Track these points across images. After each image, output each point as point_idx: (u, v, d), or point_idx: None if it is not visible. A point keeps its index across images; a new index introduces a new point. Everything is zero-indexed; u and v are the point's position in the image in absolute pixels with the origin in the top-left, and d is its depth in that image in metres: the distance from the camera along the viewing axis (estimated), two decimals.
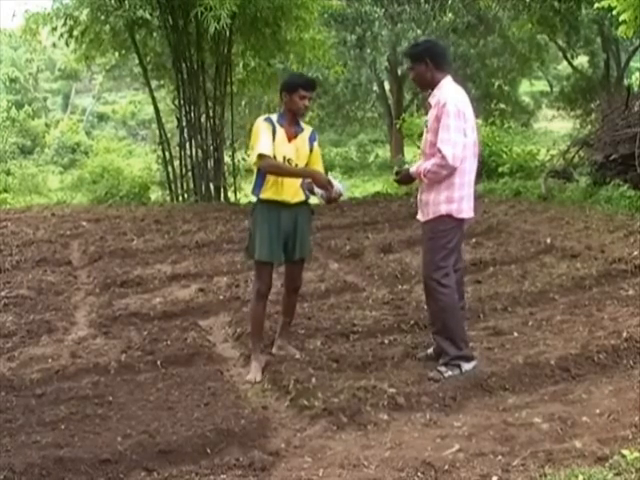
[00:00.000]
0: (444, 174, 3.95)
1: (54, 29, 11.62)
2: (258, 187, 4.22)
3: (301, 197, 4.25)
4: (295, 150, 4.19)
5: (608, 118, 10.45)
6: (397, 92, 24.06)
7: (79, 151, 29.20)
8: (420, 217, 4.21)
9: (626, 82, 22.25)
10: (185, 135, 12.11)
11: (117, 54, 13.14)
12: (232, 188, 12.71)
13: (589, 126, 13.48)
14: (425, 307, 4.50)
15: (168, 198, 12.59)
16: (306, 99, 4.15)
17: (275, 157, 4.11)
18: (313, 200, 4.39)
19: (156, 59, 13.05)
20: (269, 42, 11.89)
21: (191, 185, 12.24)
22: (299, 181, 4.18)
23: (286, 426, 3.55)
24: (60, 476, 3.05)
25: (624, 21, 9.85)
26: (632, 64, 26.11)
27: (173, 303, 5.72)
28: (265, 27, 11.53)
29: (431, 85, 4.09)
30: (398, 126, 16.24)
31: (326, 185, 4.11)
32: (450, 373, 3.99)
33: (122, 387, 4.01)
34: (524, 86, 30.92)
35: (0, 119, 25.01)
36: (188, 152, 12.10)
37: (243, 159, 13.73)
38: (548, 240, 7.08)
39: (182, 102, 12.01)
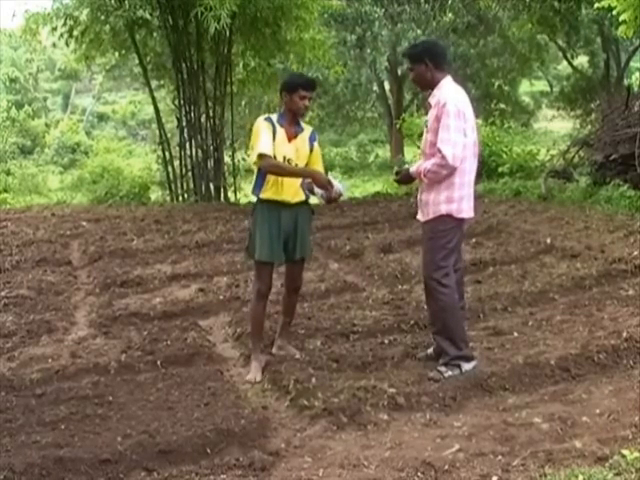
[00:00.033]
0: (444, 174, 3.95)
1: (54, 29, 11.62)
2: (258, 187, 4.22)
3: (301, 197, 4.25)
4: (295, 150, 4.19)
5: (608, 118, 10.45)
6: (397, 92, 24.07)
7: (79, 151, 29.21)
8: (420, 217, 4.21)
9: (626, 82, 22.25)
10: (185, 135, 12.11)
11: (117, 54, 13.14)
12: (232, 188, 12.71)
13: (589, 126, 13.48)
14: (425, 307, 4.50)
15: (168, 198, 12.59)
16: (306, 99, 4.15)
17: (275, 157, 4.11)
18: (313, 200, 4.39)
19: (156, 59, 13.05)
20: (269, 42, 11.89)
21: (191, 185, 12.24)
22: (299, 181, 4.18)
23: (286, 426, 3.55)
24: (60, 476, 3.05)
25: (624, 21, 9.85)
26: (632, 64, 26.11)
27: (173, 303, 5.72)
28: (265, 27, 11.53)
29: (431, 85, 4.09)
30: (398, 126, 16.25)
31: (326, 185, 4.11)
32: (450, 373, 3.99)
33: (122, 387, 4.01)
34: (524, 86, 30.92)
35: (0, 119, 25.01)
36: (188, 152, 12.10)
37: (243, 159, 13.73)
38: (548, 240, 7.08)
39: (182, 102, 12.01)
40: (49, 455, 3.13)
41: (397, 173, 4.45)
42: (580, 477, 2.66)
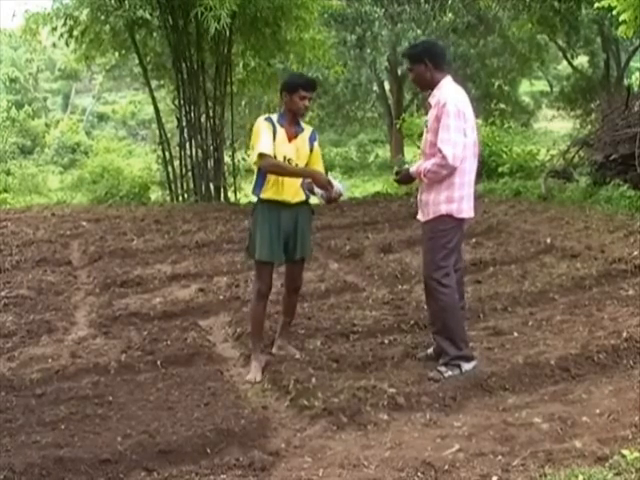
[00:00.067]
0: (444, 174, 3.95)
1: (54, 29, 11.62)
2: (258, 187, 4.22)
3: (301, 197, 4.25)
4: (295, 150, 4.19)
5: (608, 118, 10.45)
6: (397, 92, 24.07)
7: (79, 151, 29.20)
8: (420, 217, 4.21)
9: (626, 82, 22.25)
10: (185, 135, 12.11)
11: (117, 54, 13.14)
12: (232, 188, 12.71)
13: (589, 126, 13.47)
14: (425, 307, 4.50)
15: (168, 198, 12.59)
16: (306, 99, 4.15)
17: (275, 157, 4.11)
18: (313, 200, 4.39)
19: (156, 59, 13.05)
20: (269, 42, 11.89)
21: (191, 185, 12.24)
22: (299, 181, 4.18)
23: (286, 426, 3.55)
24: (60, 476, 3.05)
25: (624, 21, 9.85)
26: (632, 64, 26.11)
27: (173, 303, 5.72)
28: (265, 27, 11.53)
29: (431, 85, 4.09)
30: (398, 126, 16.25)
31: (326, 185, 4.11)
32: (450, 373, 3.99)
33: (122, 387, 4.01)
34: (524, 86, 30.93)
35: (0, 119, 25.01)
36: (188, 152, 12.10)
37: (243, 159, 13.74)
38: (548, 240, 7.08)
39: (182, 102, 12.01)
40: (49, 455, 3.13)
41: (397, 173, 4.45)
42: (580, 477, 2.66)
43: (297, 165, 4.19)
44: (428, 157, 4.05)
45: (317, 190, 4.15)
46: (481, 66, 24.11)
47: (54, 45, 23.83)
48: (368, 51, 19.13)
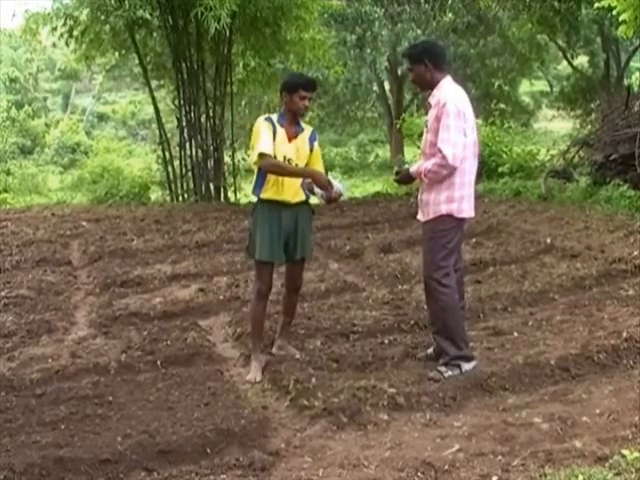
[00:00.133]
0: (444, 174, 3.95)
1: (54, 29, 11.62)
2: (259, 187, 4.22)
3: (302, 197, 4.25)
4: (295, 150, 4.19)
5: (608, 118, 10.45)
6: (397, 92, 24.07)
7: (79, 151, 29.21)
8: (420, 217, 4.21)
9: (626, 82, 22.25)
10: (185, 135, 12.11)
11: (117, 54, 13.14)
12: (232, 188, 12.71)
13: (589, 126, 13.47)
14: (425, 307, 4.50)
15: (168, 198, 12.59)
16: (306, 99, 4.15)
17: (275, 157, 4.11)
18: (313, 200, 4.39)
19: (156, 59, 13.05)
20: (269, 42, 11.89)
21: (191, 185, 12.24)
22: (299, 181, 4.18)
23: (286, 426, 3.55)
24: (60, 476, 3.05)
25: (624, 21, 9.85)
26: (632, 64, 26.11)
27: (173, 303, 5.72)
28: (265, 27, 11.53)
29: (431, 85, 4.09)
30: (398, 126, 16.25)
31: (326, 185, 4.11)
32: (450, 373, 3.99)
33: (122, 387, 4.01)
34: (524, 86, 30.93)
35: (0, 119, 25.01)
36: (188, 152, 12.10)
37: (243, 159, 13.74)
38: (548, 240, 7.08)
39: (182, 102, 12.01)
40: (49, 455, 3.13)
41: (397, 173, 4.45)
42: (580, 477, 2.66)
43: (297, 165, 4.19)
44: (428, 157, 4.05)
45: (317, 190, 4.15)
46: (481, 66, 24.11)
47: (54, 45, 23.84)
48: (368, 51, 19.14)
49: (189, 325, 5.12)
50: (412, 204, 8.94)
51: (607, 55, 23.07)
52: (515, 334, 4.66)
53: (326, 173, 4.30)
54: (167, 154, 12.42)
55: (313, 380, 3.93)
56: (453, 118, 3.88)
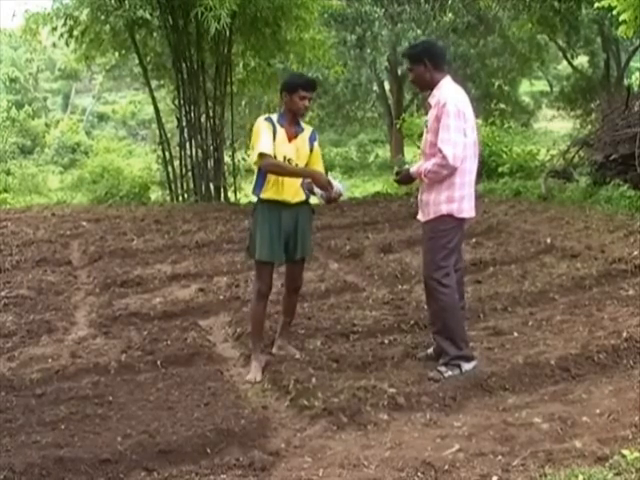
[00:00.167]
0: (445, 174, 3.95)
1: (54, 29, 11.62)
2: (259, 187, 4.22)
3: (302, 197, 4.25)
4: (295, 150, 4.19)
5: (608, 118, 10.45)
6: (397, 92, 24.08)
7: (79, 151, 29.21)
8: (421, 217, 4.21)
9: (626, 82, 22.25)
10: (185, 135, 12.11)
11: (117, 54, 13.14)
12: (232, 188, 12.71)
13: (589, 126, 13.47)
14: (425, 307, 4.50)
15: (168, 198, 12.59)
16: (306, 99, 4.15)
17: (275, 157, 4.11)
18: (313, 200, 4.39)
19: (156, 59, 13.05)
20: (269, 42, 11.89)
21: (191, 185, 12.24)
22: (299, 181, 4.18)
23: (286, 426, 3.55)
24: (60, 476, 3.05)
25: (624, 21, 9.85)
26: (632, 64, 26.11)
27: (173, 303, 5.72)
28: (265, 27, 11.53)
29: (430, 86, 4.09)
30: (398, 126, 16.25)
31: (326, 185, 4.11)
32: (450, 373, 3.99)
33: (122, 387, 4.01)
34: (524, 86, 30.93)
35: (0, 119, 25.01)
36: (188, 152, 12.10)
37: (243, 159, 13.75)
38: (548, 240, 7.08)
39: (182, 102, 12.01)
40: (49, 455, 3.13)
41: (397, 173, 4.46)
42: (580, 477, 2.66)
43: (297, 165, 4.19)
44: (428, 157, 4.05)
45: (317, 190, 4.15)
46: (481, 66, 24.11)
47: (54, 45, 23.85)
48: (368, 51, 19.14)
49: (189, 325, 5.12)
50: (412, 204, 8.94)
51: (607, 55, 23.07)
52: (515, 334, 4.66)
53: (326, 173, 4.30)
54: (167, 154, 12.42)
55: (313, 380, 3.93)
56: (453, 118, 3.88)
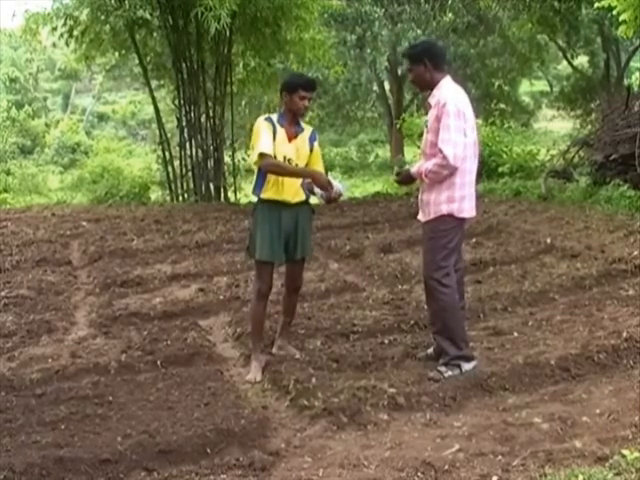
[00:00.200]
0: (445, 174, 3.95)
1: (54, 29, 11.62)
2: (259, 187, 4.22)
3: (302, 197, 4.25)
4: (295, 150, 4.19)
5: (608, 118, 10.45)
6: (397, 92, 24.07)
7: (79, 151, 29.22)
8: (421, 217, 4.21)
9: (626, 82, 22.25)
10: (185, 135, 12.11)
11: (117, 54, 13.14)
12: (232, 188, 12.72)
13: (589, 126, 13.47)
14: (425, 307, 4.50)
15: (168, 198, 12.59)
16: (306, 99, 4.15)
17: (275, 157, 4.12)
18: (313, 200, 4.39)
19: (156, 59, 13.05)
20: (269, 42, 11.89)
21: (191, 185, 12.24)
22: (299, 181, 4.18)
23: (286, 426, 3.55)
24: (60, 476, 3.05)
25: (624, 21, 9.85)
26: (632, 64, 26.10)
27: (173, 303, 5.72)
28: (265, 27, 11.53)
29: (430, 86, 4.09)
30: (398, 126, 16.26)
31: (326, 185, 4.11)
32: (450, 373, 3.99)
33: (122, 387, 4.01)
34: (524, 86, 30.93)
35: (0, 119, 25.01)
36: (188, 152, 12.10)
37: (243, 159, 13.74)
38: (548, 240, 7.08)
39: (182, 102, 12.01)
40: (49, 455, 3.13)
41: (398, 174, 4.46)
42: (580, 477, 2.66)
43: (297, 165, 4.19)
44: (428, 157, 4.05)
45: (317, 190, 4.15)
46: (481, 66, 24.11)
47: (54, 45, 23.85)
48: (368, 51, 19.13)
49: (189, 325, 5.12)
50: (412, 204, 8.95)
51: (607, 55, 23.06)
52: (515, 334, 4.66)
53: (326, 173, 4.30)
54: (167, 154, 12.42)
55: (313, 380, 3.93)
56: (453, 118, 3.89)
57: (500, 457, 2.99)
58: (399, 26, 19.00)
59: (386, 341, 4.62)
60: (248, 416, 3.51)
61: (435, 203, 4.03)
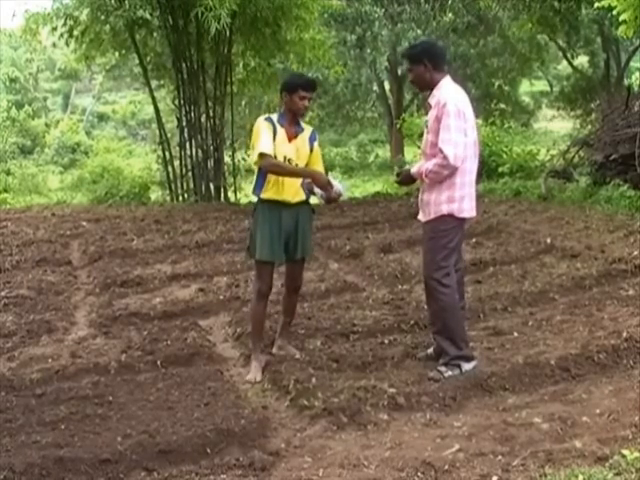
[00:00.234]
0: (446, 174, 3.95)
1: (54, 29, 11.62)
2: (259, 187, 4.22)
3: (302, 197, 4.25)
4: (295, 150, 4.20)
5: (608, 118, 10.45)
6: (397, 92, 24.08)
7: (79, 151, 29.21)
8: (421, 217, 4.21)
9: (626, 82, 22.24)
10: (185, 135, 12.12)
11: (117, 54, 13.15)
12: (232, 188, 12.72)
13: (589, 126, 13.47)
14: (425, 307, 4.50)
15: (168, 198, 12.60)
16: (306, 99, 4.15)
17: (276, 157, 4.12)
18: (313, 200, 4.39)
19: (156, 59, 13.05)
20: (269, 42, 11.89)
21: (191, 185, 12.25)
22: (299, 181, 4.19)
23: (286, 426, 3.55)
24: (60, 476, 3.05)
25: (624, 21, 9.84)
26: (632, 64, 26.09)
27: (173, 303, 5.72)
28: (265, 27, 11.53)
29: (430, 86, 4.09)
30: (398, 126, 16.27)
31: (326, 185, 4.11)
32: (450, 373, 3.99)
33: (122, 387, 4.01)
34: (524, 86, 30.92)
35: (0, 119, 25.01)
36: (188, 152, 12.11)
37: (243, 159, 13.75)
38: (548, 240, 7.08)
39: (182, 102, 12.01)
40: (49, 455, 3.13)
41: (398, 174, 4.46)
42: (580, 477, 2.66)
43: (297, 165, 4.19)
44: (429, 157, 4.05)
45: (317, 190, 4.15)
46: (481, 66, 24.11)
47: (54, 45, 23.85)
48: (368, 51, 19.14)
49: (189, 325, 5.12)
50: (412, 204, 8.95)
51: (607, 55, 23.06)
52: (515, 334, 4.66)
53: (326, 173, 4.31)
54: (167, 154, 12.42)
55: (313, 380, 3.93)
56: (453, 118, 3.89)
57: (500, 457, 2.99)
58: (399, 26, 19.01)
59: (386, 341, 4.62)
60: (248, 416, 3.51)
61: (435, 203, 4.03)
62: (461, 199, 4.01)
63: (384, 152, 28.36)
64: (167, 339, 4.77)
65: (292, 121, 4.21)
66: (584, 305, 5.12)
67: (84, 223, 9.40)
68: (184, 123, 12.04)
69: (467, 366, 4.02)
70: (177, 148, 12.33)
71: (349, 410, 3.54)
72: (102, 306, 5.70)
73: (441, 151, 3.88)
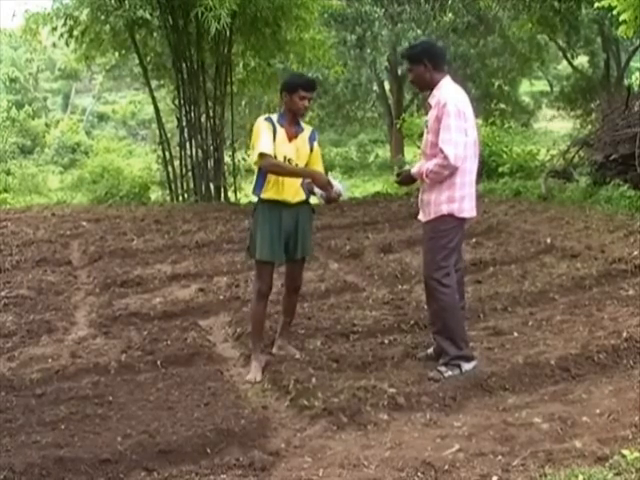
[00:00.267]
0: (446, 174, 3.95)
1: (54, 29, 11.62)
2: (259, 187, 4.22)
3: (302, 197, 4.25)
4: (295, 150, 4.20)
5: (608, 118, 10.45)
6: (397, 92, 24.08)
7: (79, 151, 29.21)
8: (421, 217, 4.21)
9: (626, 82, 22.24)
10: (185, 135, 12.12)
11: (117, 54, 13.14)
12: (232, 188, 12.72)
13: (589, 126, 13.48)
14: (425, 307, 4.50)
15: (168, 198, 12.60)
16: (306, 99, 4.15)
17: (276, 157, 4.12)
18: (313, 200, 4.39)
19: (156, 59, 13.05)
20: (269, 42, 11.89)
21: (191, 185, 12.25)
22: (299, 181, 4.19)
23: (286, 426, 3.55)
24: (60, 476, 3.05)
25: (624, 21, 9.85)
26: (632, 64, 26.07)
27: (173, 303, 5.72)
28: (265, 27, 11.53)
29: (430, 86, 4.09)
30: (398, 126, 16.27)
31: (326, 185, 4.11)
32: (450, 373, 3.99)
33: (122, 387, 4.01)
34: (524, 86, 30.92)
35: (0, 119, 25.00)
36: (188, 152, 12.11)
37: (243, 159, 13.75)
38: (548, 240, 7.08)
39: (182, 102, 12.01)
40: (49, 455, 3.13)
41: (398, 175, 4.46)
42: (580, 477, 2.66)
43: (297, 165, 4.19)
44: (429, 157, 4.05)
45: (317, 190, 4.15)
46: (481, 66, 24.11)
47: (54, 45, 23.85)
48: (368, 51, 19.14)
49: (189, 325, 5.12)
50: (412, 204, 8.95)
51: (607, 55, 23.06)
52: (515, 334, 4.66)
53: (326, 173, 4.31)
54: (167, 154, 12.42)
55: (313, 380, 3.93)
56: (454, 118, 3.89)
57: (500, 457, 2.99)
58: (399, 26, 19.01)
59: (386, 341, 4.62)
60: (248, 416, 3.51)
61: (435, 203, 4.03)
62: (461, 199, 4.01)
63: (384, 152, 28.36)
64: (167, 339, 4.77)
65: (292, 121, 4.21)
66: (584, 305, 5.12)
67: (84, 223, 9.40)
68: (184, 123, 12.04)
69: (467, 366, 4.02)
70: (177, 148, 12.33)
71: (349, 410, 3.54)
72: (102, 306, 5.70)
73: (441, 151, 3.88)
